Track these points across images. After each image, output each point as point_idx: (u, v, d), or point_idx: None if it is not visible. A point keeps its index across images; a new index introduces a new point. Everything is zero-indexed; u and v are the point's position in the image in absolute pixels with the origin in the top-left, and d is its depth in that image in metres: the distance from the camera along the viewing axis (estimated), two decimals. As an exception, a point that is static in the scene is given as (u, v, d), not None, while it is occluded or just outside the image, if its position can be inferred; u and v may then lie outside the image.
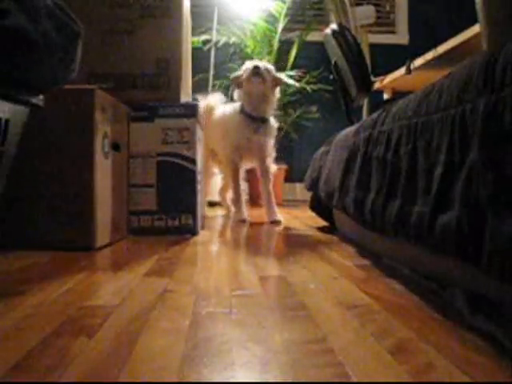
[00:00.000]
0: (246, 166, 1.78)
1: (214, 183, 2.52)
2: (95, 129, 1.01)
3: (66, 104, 1.00)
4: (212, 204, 2.46)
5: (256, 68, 1.60)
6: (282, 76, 2.55)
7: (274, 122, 1.73)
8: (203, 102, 1.78)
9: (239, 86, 1.68)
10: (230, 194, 1.82)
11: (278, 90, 1.71)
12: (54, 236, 0.99)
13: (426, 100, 0.65)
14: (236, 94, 1.70)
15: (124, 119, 1.23)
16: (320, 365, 0.40)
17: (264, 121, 1.66)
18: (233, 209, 1.77)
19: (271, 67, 1.69)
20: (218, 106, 1.84)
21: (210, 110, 1.80)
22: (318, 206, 1.50)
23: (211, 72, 2.69)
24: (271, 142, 1.71)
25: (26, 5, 0.58)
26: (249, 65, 1.65)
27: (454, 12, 2.76)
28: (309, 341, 0.46)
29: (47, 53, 0.62)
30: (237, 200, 1.69)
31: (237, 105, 1.70)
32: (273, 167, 1.76)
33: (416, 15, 3.17)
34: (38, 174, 1.00)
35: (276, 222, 1.61)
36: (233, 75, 1.70)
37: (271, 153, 1.73)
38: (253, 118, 1.64)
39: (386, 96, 2.52)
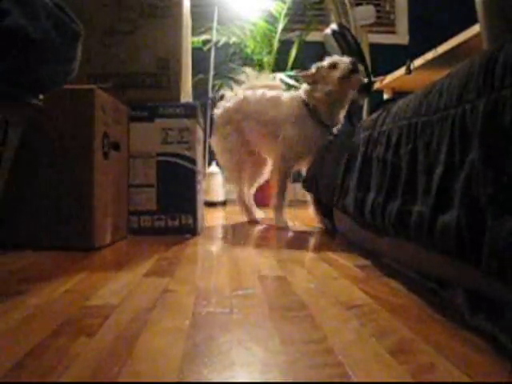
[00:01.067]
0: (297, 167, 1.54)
1: (213, 183, 2.52)
2: (95, 129, 1.01)
3: (66, 104, 1.00)
4: (212, 204, 2.46)
5: (355, 64, 1.31)
6: (283, 77, 2.54)
7: None
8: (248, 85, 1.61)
9: (315, 82, 1.39)
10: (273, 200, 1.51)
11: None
12: (54, 236, 0.99)
13: (426, 100, 0.65)
14: (304, 90, 1.42)
15: (124, 119, 1.23)
16: (320, 365, 0.40)
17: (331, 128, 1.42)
18: (273, 215, 1.52)
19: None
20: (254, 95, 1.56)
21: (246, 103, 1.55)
22: (318, 208, 1.50)
23: (211, 72, 2.69)
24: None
25: (26, 5, 0.58)
26: (334, 61, 1.36)
27: (454, 12, 2.76)
28: (309, 341, 0.46)
29: (47, 53, 0.62)
30: (279, 205, 1.48)
31: (298, 100, 1.43)
32: None
33: (416, 15, 3.17)
34: (38, 173, 1.00)
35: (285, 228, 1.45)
36: (306, 72, 1.40)
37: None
38: (326, 126, 1.40)
39: (385, 96, 2.52)
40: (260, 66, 2.82)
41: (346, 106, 1.42)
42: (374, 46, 2.65)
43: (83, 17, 0.75)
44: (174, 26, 1.34)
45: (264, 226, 1.53)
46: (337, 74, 1.34)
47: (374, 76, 2.01)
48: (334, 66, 1.36)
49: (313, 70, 1.40)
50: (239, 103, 1.58)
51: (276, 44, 2.75)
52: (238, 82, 1.82)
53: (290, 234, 1.34)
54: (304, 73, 1.41)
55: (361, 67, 1.42)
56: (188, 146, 1.27)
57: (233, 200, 2.72)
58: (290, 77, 2.65)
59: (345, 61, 1.35)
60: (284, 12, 2.70)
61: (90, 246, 0.98)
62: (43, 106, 0.71)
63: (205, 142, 2.39)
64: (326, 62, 1.39)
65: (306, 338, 0.47)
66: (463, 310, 0.51)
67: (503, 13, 0.67)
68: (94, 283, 0.69)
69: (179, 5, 1.34)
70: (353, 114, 1.86)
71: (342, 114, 1.42)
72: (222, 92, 1.70)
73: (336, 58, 1.40)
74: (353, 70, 1.33)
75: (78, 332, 0.48)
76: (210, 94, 2.67)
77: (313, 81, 1.39)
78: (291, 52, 2.83)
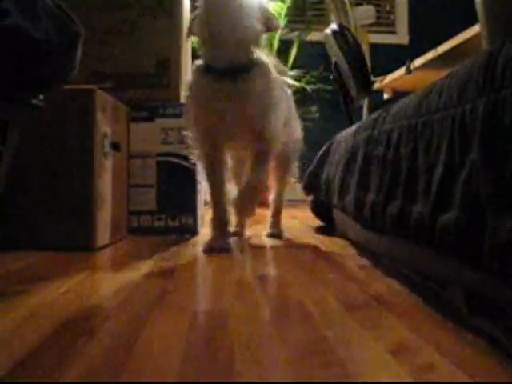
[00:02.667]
0: (230, 154, 1.10)
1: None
2: (95, 129, 1.01)
3: (66, 104, 1.00)
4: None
5: None
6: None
7: (264, 62, 0.96)
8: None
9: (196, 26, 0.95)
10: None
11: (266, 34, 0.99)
12: (54, 236, 0.99)
13: (426, 100, 0.65)
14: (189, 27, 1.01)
15: (124, 119, 1.23)
16: (320, 365, 0.40)
17: (243, 70, 0.91)
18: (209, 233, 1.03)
19: (267, 7, 0.96)
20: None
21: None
22: (318, 208, 1.50)
23: (211, 72, 2.69)
24: (266, 103, 0.94)
25: (26, 5, 0.58)
26: None
27: (454, 12, 2.76)
28: (309, 341, 0.46)
29: (47, 53, 0.62)
30: (215, 217, 1.00)
31: (198, 62, 0.99)
32: (293, 147, 1.15)
33: (416, 15, 3.17)
34: (38, 173, 1.00)
35: (277, 237, 1.18)
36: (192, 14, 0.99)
37: (270, 126, 0.95)
38: (221, 73, 0.91)
39: (386, 96, 2.52)
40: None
41: (252, 30, 0.91)
42: (374, 46, 2.65)
43: (83, 17, 0.75)
44: (174, 26, 1.34)
45: None
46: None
47: (374, 76, 2.01)
48: None
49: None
50: None
51: (276, 44, 2.75)
52: None
53: (290, 234, 1.33)
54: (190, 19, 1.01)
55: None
56: (188, 145, 1.27)
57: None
58: (290, 77, 2.65)
59: None
60: (284, 12, 2.70)
61: (90, 246, 0.98)
62: (43, 106, 0.71)
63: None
64: None
65: (306, 338, 0.47)
66: (463, 309, 0.51)
67: (503, 13, 0.67)
68: (94, 283, 0.69)
69: (179, 5, 1.34)
70: (353, 114, 1.86)
71: (244, 43, 0.91)
72: None
73: None
74: None
75: (78, 332, 0.48)
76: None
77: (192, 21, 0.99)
78: (291, 52, 2.83)
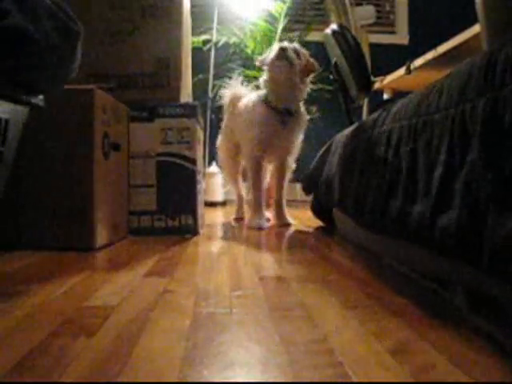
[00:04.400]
0: (269, 163, 1.54)
1: (213, 183, 2.53)
2: (95, 129, 1.01)
3: (66, 104, 1.00)
4: (212, 204, 2.46)
5: (282, 50, 1.33)
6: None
7: (304, 114, 1.47)
8: (228, 90, 1.64)
9: (263, 69, 1.43)
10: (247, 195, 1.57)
11: (309, 77, 1.44)
12: (53, 236, 0.99)
13: (426, 100, 0.65)
14: (261, 80, 1.45)
15: (124, 119, 1.23)
16: (320, 365, 0.40)
17: (291, 113, 1.40)
18: (247, 213, 1.56)
19: (304, 50, 1.42)
20: (244, 94, 1.62)
21: (236, 99, 1.59)
22: (318, 208, 1.50)
23: (211, 72, 2.69)
24: (299, 139, 1.48)
25: (26, 5, 0.58)
26: (276, 46, 1.40)
27: (455, 12, 2.76)
28: (309, 341, 0.46)
29: (47, 53, 0.62)
30: (255, 202, 1.44)
31: (261, 93, 1.45)
32: (292, 165, 1.55)
33: (416, 15, 3.17)
34: (38, 173, 1.00)
35: (287, 225, 1.46)
36: (259, 58, 1.44)
37: (296, 150, 1.50)
38: (277, 111, 1.39)
39: (386, 96, 2.52)
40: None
41: (298, 89, 1.39)
42: (374, 46, 2.65)
43: (83, 17, 0.75)
44: (174, 26, 1.34)
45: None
46: (267, 60, 1.38)
47: (374, 76, 2.01)
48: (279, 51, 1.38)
49: (262, 57, 1.43)
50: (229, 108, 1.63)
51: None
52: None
53: (290, 233, 1.34)
54: (259, 60, 1.45)
55: (304, 54, 1.41)
56: (188, 146, 1.27)
57: (233, 200, 2.72)
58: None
59: (275, 47, 1.38)
60: (284, 12, 2.70)
61: (90, 246, 0.98)
62: (43, 106, 0.71)
63: (205, 141, 2.40)
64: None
65: (306, 338, 0.47)
66: (463, 309, 0.51)
67: (503, 13, 0.67)
68: (94, 283, 0.69)
69: (179, 5, 1.34)
70: (353, 114, 1.86)
71: (297, 98, 1.41)
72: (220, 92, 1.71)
73: (275, 45, 1.41)
74: (279, 57, 1.34)
75: (78, 332, 0.48)
76: (210, 94, 2.67)
77: (260, 65, 1.43)
78: (291, 52, 2.82)
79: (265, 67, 1.41)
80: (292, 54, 1.34)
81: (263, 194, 1.45)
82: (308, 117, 1.52)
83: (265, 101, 1.40)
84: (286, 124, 1.39)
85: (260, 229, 1.37)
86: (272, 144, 1.41)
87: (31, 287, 0.66)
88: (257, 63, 1.46)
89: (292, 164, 1.53)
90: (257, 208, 1.43)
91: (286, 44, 1.37)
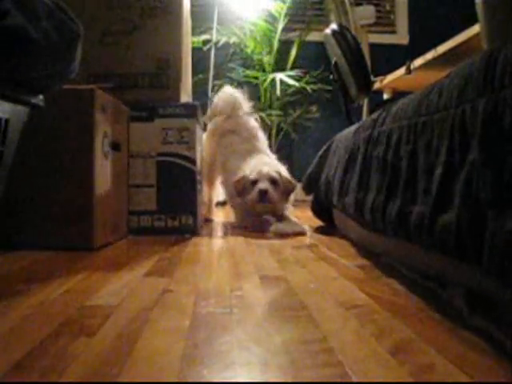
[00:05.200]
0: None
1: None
2: (95, 129, 1.01)
3: (66, 104, 1.00)
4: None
5: (263, 194, 1.31)
6: (283, 76, 2.51)
7: (288, 210, 1.47)
8: (225, 94, 1.62)
9: (242, 195, 1.38)
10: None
11: (290, 196, 1.44)
12: (53, 236, 0.99)
13: (426, 100, 0.65)
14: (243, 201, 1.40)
15: (124, 119, 1.23)
16: (320, 365, 0.40)
17: (278, 218, 1.41)
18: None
19: (280, 172, 1.38)
20: (244, 103, 1.62)
21: (236, 107, 1.58)
22: (318, 208, 1.50)
23: (211, 72, 2.69)
24: (282, 204, 1.44)
25: (26, 5, 0.58)
26: (255, 177, 1.33)
27: (455, 12, 2.76)
28: (309, 341, 0.46)
29: (47, 53, 0.62)
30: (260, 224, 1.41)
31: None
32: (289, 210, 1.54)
33: (416, 15, 3.17)
34: (38, 173, 1.00)
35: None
36: (235, 180, 1.39)
37: (285, 208, 1.47)
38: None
39: (386, 96, 2.52)
40: (260, 66, 2.82)
41: (278, 211, 1.40)
42: (374, 46, 2.66)
43: (83, 17, 0.75)
44: (173, 26, 1.34)
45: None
46: (249, 196, 1.34)
47: (374, 76, 2.01)
48: (254, 182, 1.34)
49: (238, 178, 1.39)
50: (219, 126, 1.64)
51: (276, 44, 2.75)
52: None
53: (290, 234, 1.33)
54: (234, 183, 1.40)
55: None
56: (188, 146, 1.27)
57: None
58: (290, 77, 2.65)
59: (254, 187, 1.33)
60: (284, 12, 2.70)
61: (90, 246, 0.98)
62: (43, 106, 0.71)
63: (205, 142, 2.39)
64: (251, 176, 1.36)
65: (306, 338, 0.47)
66: (462, 309, 0.51)
67: (503, 13, 0.67)
68: (94, 283, 0.69)
69: (179, 5, 1.34)
70: (353, 114, 1.86)
71: (277, 212, 1.40)
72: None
73: (261, 171, 1.35)
74: (261, 199, 1.31)
75: (78, 332, 0.48)
76: (210, 94, 2.67)
77: (238, 190, 1.39)
78: (291, 52, 2.83)
79: (242, 191, 1.38)
80: (273, 195, 1.32)
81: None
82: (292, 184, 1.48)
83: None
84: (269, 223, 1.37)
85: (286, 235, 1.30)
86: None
87: (31, 287, 0.66)
88: (234, 183, 1.40)
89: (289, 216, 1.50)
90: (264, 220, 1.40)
91: (265, 185, 1.32)
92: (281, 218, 1.43)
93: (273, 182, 1.34)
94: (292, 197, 1.47)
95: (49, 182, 1.00)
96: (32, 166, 1.00)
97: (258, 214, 1.38)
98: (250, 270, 0.80)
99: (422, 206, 0.60)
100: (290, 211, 1.53)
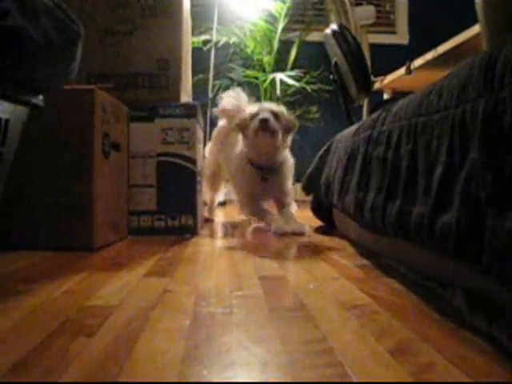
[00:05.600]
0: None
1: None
2: (95, 129, 1.01)
3: (66, 104, 1.00)
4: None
5: (264, 122, 1.32)
6: (283, 76, 2.51)
7: (288, 162, 1.50)
8: (229, 99, 1.62)
9: (244, 133, 1.41)
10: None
11: (291, 134, 1.45)
12: (53, 236, 0.99)
13: (426, 100, 0.65)
14: (241, 139, 1.45)
15: (124, 119, 1.23)
16: (320, 365, 0.40)
17: (273, 169, 1.44)
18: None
19: (282, 111, 1.41)
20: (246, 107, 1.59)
21: (241, 109, 1.54)
22: (318, 208, 1.50)
23: (211, 72, 2.69)
24: (287, 184, 1.49)
25: (26, 5, 0.58)
26: (256, 111, 1.37)
27: (454, 12, 2.76)
28: (309, 341, 0.46)
29: (47, 53, 0.62)
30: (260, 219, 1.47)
31: (243, 151, 1.46)
32: (292, 206, 1.55)
33: (416, 15, 3.17)
34: (38, 173, 1.00)
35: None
36: (237, 121, 1.43)
37: (288, 192, 1.49)
38: (259, 167, 1.43)
39: (386, 96, 2.52)
40: (260, 66, 2.82)
41: (280, 151, 1.41)
42: (374, 46, 2.66)
43: (83, 17, 0.75)
44: (174, 26, 1.34)
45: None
46: (249, 128, 1.36)
47: (374, 76, 2.01)
48: (253, 116, 1.37)
49: (241, 121, 1.42)
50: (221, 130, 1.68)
51: (276, 44, 2.75)
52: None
53: (290, 234, 1.33)
54: (237, 124, 1.43)
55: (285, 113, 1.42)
56: (188, 146, 1.27)
57: (232, 200, 2.73)
58: (290, 77, 2.65)
59: (256, 116, 1.34)
60: (284, 12, 2.71)
61: (90, 246, 0.98)
62: (43, 106, 0.71)
63: (205, 141, 2.39)
64: (249, 110, 1.41)
65: (306, 337, 0.47)
66: (462, 309, 0.51)
67: (503, 13, 0.67)
68: (94, 283, 0.69)
69: (179, 5, 1.34)
70: (353, 114, 1.87)
71: (279, 156, 1.43)
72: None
73: (253, 108, 1.40)
74: (262, 129, 1.33)
75: (78, 332, 0.48)
76: (210, 94, 2.67)
77: (242, 131, 1.42)
78: (291, 52, 2.83)
79: (245, 130, 1.40)
80: (274, 124, 1.33)
81: (266, 212, 1.47)
82: (292, 161, 1.53)
83: (248, 161, 1.44)
84: (268, 180, 1.43)
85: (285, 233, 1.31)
86: (261, 194, 1.47)
87: (31, 287, 0.66)
88: (236, 125, 1.43)
89: (291, 206, 1.52)
90: (264, 218, 1.44)
91: (266, 114, 1.34)
92: (283, 205, 1.46)
93: (274, 114, 1.36)
94: (290, 138, 1.45)
95: (49, 182, 1.00)
96: (32, 166, 1.00)
97: (259, 150, 1.38)
98: (249, 270, 0.80)
99: (422, 206, 0.60)
100: (295, 209, 1.55)
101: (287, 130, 1.41)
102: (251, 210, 1.49)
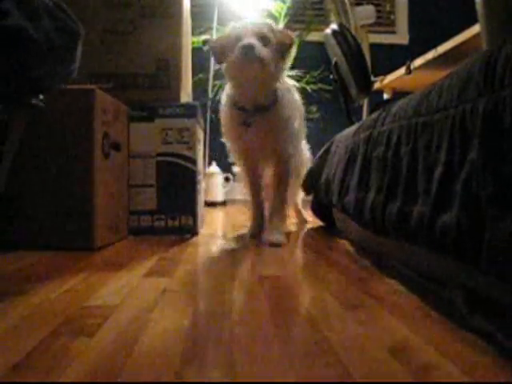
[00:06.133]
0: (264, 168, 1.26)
1: (213, 183, 2.53)
2: (95, 129, 1.01)
3: (66, 104, 1.00)
4: (212, 204, 2.47)
5: (248, 49, 0.98)
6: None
7: (289, 95, 1.16)
8: None
9: (220, 60, 1.07)
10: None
11: (288, 53, 1.08)
12: (54, 236, 0.99)
13: (426, 100, 0.65)
14: (223, 70, 1.09)
15: (124, 119, 1.23)
16: (320, 365, 0.40)
17: (264, 110, 1.09)
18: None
19: (272, 28, 1.06)
20: None
21: None
22: (318, 208, 1.50)
23: (211, 72, 2.69)
24: (284, 131, 1.12)
25: (27, 5, 0.58)
26: (238, 33, 1.02)
27: (454, 12, 2.76)
28: (309, 341, 0.46)
29: (47, 53, 0.62)
30: (252, 212, 1.26)
31: (228, 92, 1.14)
32: (299, 191, 1.33)
33: (416, 15, 3.17)
34: (38, 174, 1.00)
35: (276, 245, 1.06)
36: (212, 41, 1.13)
37: (288, 149, 1.15)
38: (244, 110, 1.10)
39: (386, 96, 2.52)
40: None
41: (271, 83, 1.07)
42: (374, 46, 2.65)
43: (83, 17, 0.75)
44: (173, 26, 1.34)
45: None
46: (230, 55, 1.02)
47: (374, 76, 2.01)
48: (235, 40, 1.01)
49: (217, 42, 1.09)
50: None
51: (276, 44, 2.75)
52: None
53: (290, 234, 1.33)
54: (212, 46, 1.12)
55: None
56: (188, 145, 1.27)
57: (232, 200, 2.73)
58: (290, 77, 2.65)
59: (239, 43, 0.99)
60: (284, 12, 2.71)
61: (90, 246, 0.98)
62: (43, 106, 0.71)
63: (205, 141, 2.39)
64: (229, 30, 1.07)
65: (306, 338, 0.47)
66: (462, 309, 0.51)
67: (503, 13, 0.67)
68: (94, 283, 0.69)
69: (179, 5, 1.34)
70: (353, 114, 1.86)
71: (271, 89, 1.08)
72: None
73: (235, 27, 1.05)
74: (245, 57, 0.98)
75: (78, 332, 0.48)
76: (210, 94, 2.67)
77: (219, 58, 1.07)
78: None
79: (224, 58, 1.05)
80: (261, 51, 0.99)
81: (263, 207, 1.25)
82: (300, 102, 1.26)
83: (231, 103, 1.12)
84: (251, 124, 1.09)
85: (257, 236, 1.16)
86: (252, 149, 1.15)
87: (31, 287, 0.66)
88: (211, 47, 1.12)
89: (295, 165, 1.25)
90: (254, 217, 1.26)
91: (251, 40, 0.99)
92: (280, 180, 1.17)
93: (262, 38, 1.01)
94: (288, 59, 1.10)
95: (49, 182, 1.00)
96: (32, 166, 1.00)
97: (242, 87, 1.06)
98: (249, 269, 0.80)
99: (422, 206, 0.60)
100: (300, 197, 1.42)
101: (282, 50, 1.06)
102: (246, 191, 1.25)
